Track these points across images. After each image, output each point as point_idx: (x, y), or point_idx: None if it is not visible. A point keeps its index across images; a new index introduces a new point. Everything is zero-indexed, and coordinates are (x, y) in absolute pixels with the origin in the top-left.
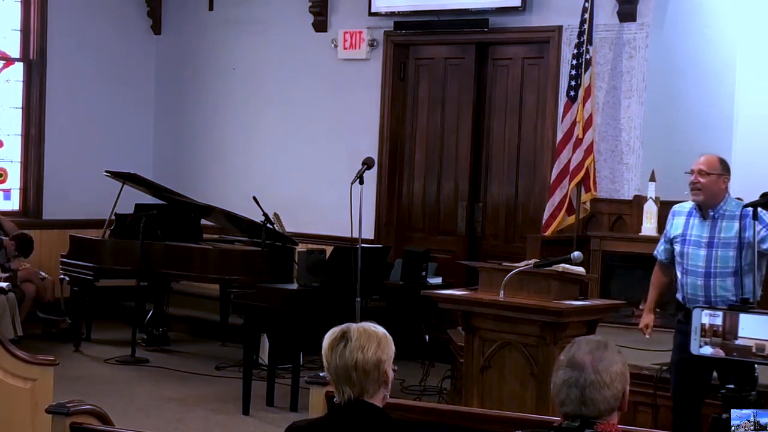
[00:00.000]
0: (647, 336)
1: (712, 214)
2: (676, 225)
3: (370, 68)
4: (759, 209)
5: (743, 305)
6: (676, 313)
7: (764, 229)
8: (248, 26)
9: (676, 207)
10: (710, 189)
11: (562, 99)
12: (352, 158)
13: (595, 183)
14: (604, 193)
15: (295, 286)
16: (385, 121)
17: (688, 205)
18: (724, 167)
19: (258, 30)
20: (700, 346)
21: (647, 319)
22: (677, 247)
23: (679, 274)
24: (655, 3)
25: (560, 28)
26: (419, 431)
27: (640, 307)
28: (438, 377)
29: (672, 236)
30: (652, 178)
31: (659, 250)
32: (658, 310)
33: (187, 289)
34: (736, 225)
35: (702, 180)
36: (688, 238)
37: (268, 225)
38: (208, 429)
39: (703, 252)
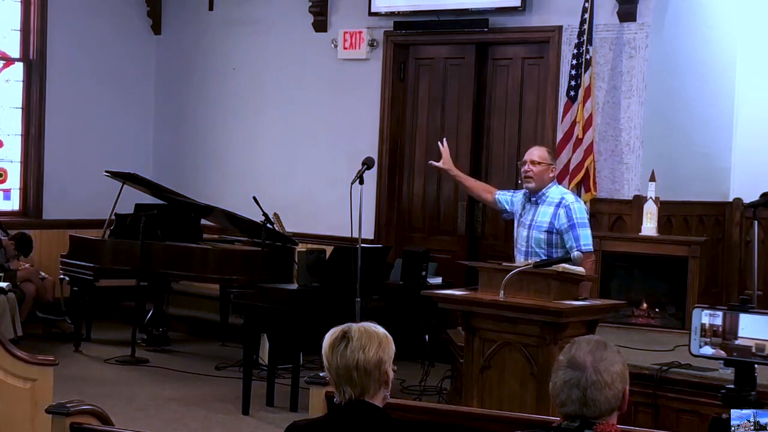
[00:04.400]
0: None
1: (534, 199)
2: (517, 201)
3: (370, 68)
4: (573, 201)
5: (743, 305)
6: (676, 313)
7: (567, 223)
8: (248, 26)
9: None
10: (541, 177)
11: (562, 99)
12: (352, 158)
13: (595, 183)
14: (604, 193)
15: (295, 286)
16: (385, 121)
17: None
18: (552, 158)
19: (258, 30)
20: (700, 347)
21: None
22: (515, 230)
23: (515, 252)
24: (655, 3)
25: (560, 28)
26: (419, 431)
27: (641, 307)
28: (438, 377)
29: (514, 208)
30: (652, 178)
31: (501, 192)
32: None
33: (187, 289)
34: (551, 211)
35: (534, 169)
36: (520, 219)
37: (268, 225)
38: (208, 429)
39: (525, 233)
